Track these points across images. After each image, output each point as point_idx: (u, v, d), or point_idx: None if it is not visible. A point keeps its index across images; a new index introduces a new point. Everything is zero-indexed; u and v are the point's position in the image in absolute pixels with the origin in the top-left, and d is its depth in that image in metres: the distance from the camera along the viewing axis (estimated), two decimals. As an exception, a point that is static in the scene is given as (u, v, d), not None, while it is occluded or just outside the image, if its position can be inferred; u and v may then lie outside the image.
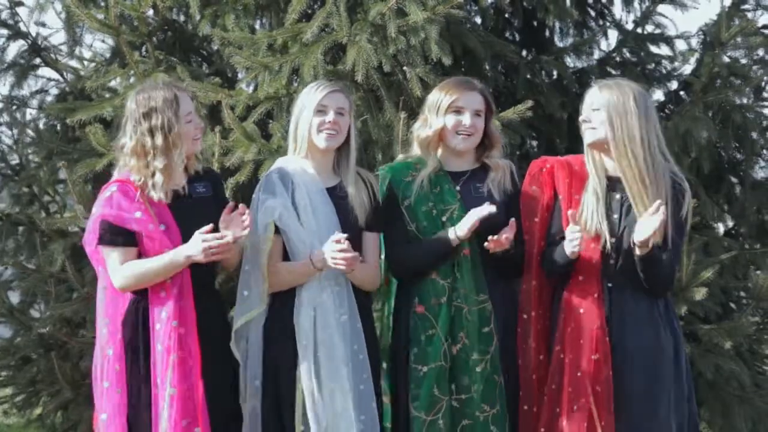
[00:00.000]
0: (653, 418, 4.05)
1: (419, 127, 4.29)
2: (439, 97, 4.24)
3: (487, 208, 4.03)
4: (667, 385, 4.08)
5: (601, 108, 4.06)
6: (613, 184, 4.12)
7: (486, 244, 4.02)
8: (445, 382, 4.11)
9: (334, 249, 3.97)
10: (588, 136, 4.12)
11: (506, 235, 4.01)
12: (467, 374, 4.11)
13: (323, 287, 4.09)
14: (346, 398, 4.02)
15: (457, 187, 4.24)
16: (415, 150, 4.31)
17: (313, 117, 4.12)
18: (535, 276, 4.22)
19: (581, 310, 4.08)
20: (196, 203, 4.07)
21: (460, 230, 4.09)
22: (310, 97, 4.15)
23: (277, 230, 4.11)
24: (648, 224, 3.91)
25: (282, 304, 4.13)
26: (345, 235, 3.98)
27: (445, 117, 4.21)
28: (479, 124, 4.23)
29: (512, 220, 4.04)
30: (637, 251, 3.98)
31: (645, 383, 4.05)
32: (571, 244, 3.98)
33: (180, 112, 3.95)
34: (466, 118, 4.20)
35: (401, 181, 4.26)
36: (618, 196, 4.11)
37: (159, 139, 3.93)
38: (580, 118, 4.14)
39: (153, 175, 3.95)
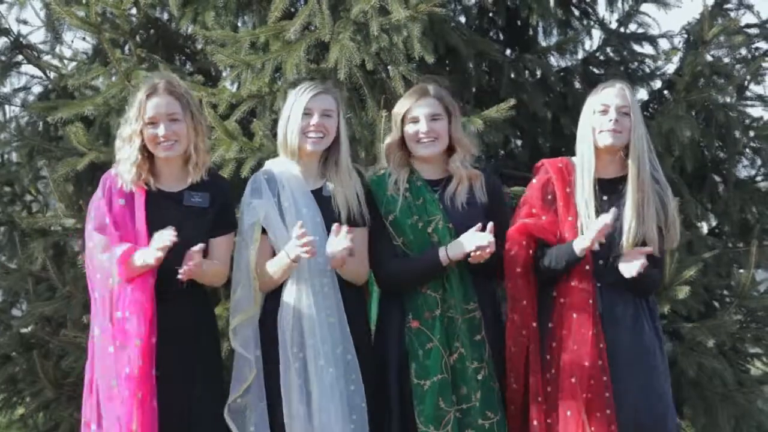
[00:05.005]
0: (653, 415, 4.08)
1: (386, 139, 4.33)
2: (397, 108, 4.29)
3: (484, 237, 4.00)
4: (661, 380, 4.12)
5: (630, 112, 4.10)
6: (601, 185, 4.14)
7: (470, 258, 4.04)
8: (449, 394, 4.09)
9: (295, 238, 3.96)
10: (611, 140, 4.09)
11: (489, 250, 4.01)
12: (465, 384, 4.10)
13: (308, 288, 4.08)
14: (334, 400, 4.01)
15: (436, 196, 4.23)
16: (384, 161, 4.33)
17: (300, 121, 4.12)
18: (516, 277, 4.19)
19: (574, 315, 4.09)
20: (185, 210, 4.06)
21: (452, 253, 4.07)
22: (296, 99, 4.16)
23: (265, 231, 4.12)
24: (633, 265, 3.97)
25: (269, 306, 4.14)
26: (300, 223, 3.97)
27: (404, 128, 4.23)
28: (438, 128, 4.22)
29: (490, 224, 4.03)
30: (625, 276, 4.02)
31: (641, 381, 4.08)
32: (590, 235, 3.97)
33: (143, 115, 4.01)
34: (422, 126, 4.20)
35: (383, 195, 4.26)
36: (605, 197, 4.13)
37: (126, 131, 4.07)
38: (609, 118, 4.08)
39: (120, 162, 4.07)
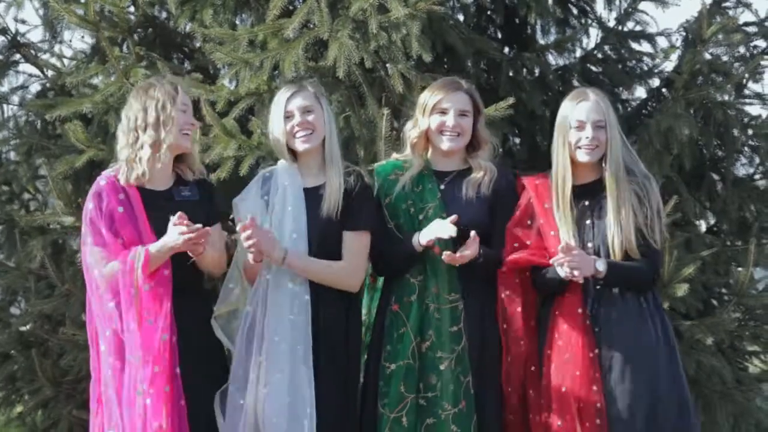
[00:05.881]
0: (655, 414, 4.06)
1: (409, 128, 4.33)
2: (426, 97, 4.29)
3: (449, 230, 4.03)
4: (664, 378, 4.10)
5: (606, 126, 4.12)
6: (579, 191, 4.16)
7: (443, 257, 4.06)
8: (413, 380, 4.13)
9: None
10: (588, 157, 4.12)
11: (468, 252, 4.04)
12: (433, 373, 4.12)
13: (277, 283, 4.10)
14: (283, 399, 4.00)
15: (441, 186, 4.25)
16: (408, 150, 4.34)
17: (283, 125, 4.16)
18: (505, 290, 4.22)
19: (565, 326, 4.11)
20: (178, 206, 4.05)
21: (422, 239, 4.11)
22: (275, 107, 4.21)
23: None
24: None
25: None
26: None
27: (430, 118, 4.24)
28: (465, 124, 4.25)
29: (473, 233, 4.04)
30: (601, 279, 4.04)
31: (643, 380, 4.06)
32: (563, 272, 3.99)
33: (177, 99, 4.05)
34: (450, 119, 4.22)
35: (385, 179, 4.30)
36: (586, 202, 4.16)
37: (151, 116, 4.02)
38: (585, 135, 4.10)
39: (141, 148, 4.03)
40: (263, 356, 4.04)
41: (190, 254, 3.98)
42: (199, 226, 3.90)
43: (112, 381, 3.95)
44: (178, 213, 3.90)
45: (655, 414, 4.05)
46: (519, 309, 4.17)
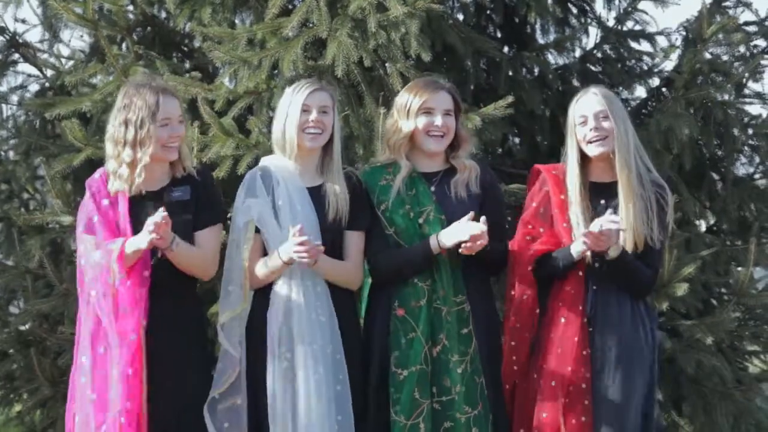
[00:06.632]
0: (623, 418, 4.07)
1: (391, 131, 4.28)
2: (408, 98, 4.23)
3: (478, 226, 3.99)
4: (638, 385, 4.10)
5: (610, 117, 4.09)
6: (597, 189, 4.14)
7: (460, 250, 4.02)
8: (426, 386, 4.08)
9: (294, 242, 3.94)
10: (599, 149, 4.10)
11: (480, 242, 3.99)
12: (448, 376, 4.08)
13: (300, 286, 4.07)
14: (321, 400, 4.00)
15: (432, 188, 4.23)
16: (384, 153, 4.31)
17: (299, 117, 4.12)
18: (519, 281, 4.19)
19: (562, 320, 4.09)
20: (168, 208, 4.00)
21: (444, 240, 4.06)
22: (293, 97, 4.15)
23: (257, 229, 4.11)
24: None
25: (258, 304, 4.14)
26: (299, 226, 3.95)
27: (416, 119, 4.20)
28: (450, 124, 4.23)
29: (483, 218, 4.01)
30: (609, 254, 4.02)
31: (620, 383, 4.07)
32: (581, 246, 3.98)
33: (158, 115, 3.97)
34: (438, 119, 4.19)
35: (376, 185, 4.25)
36: (602, 201, 4.14)
37: (130, 133, 3.98)
38: (589, 128, 4.09)
39: (120, 166, 4.01)
40: (296, 360, 4.02)
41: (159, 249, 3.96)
42: (158, 219, 3.83)
43: (89, 368, 3.97)
44: (162, 210, 3.86)
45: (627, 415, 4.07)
46: (531, 301, 4.14)
